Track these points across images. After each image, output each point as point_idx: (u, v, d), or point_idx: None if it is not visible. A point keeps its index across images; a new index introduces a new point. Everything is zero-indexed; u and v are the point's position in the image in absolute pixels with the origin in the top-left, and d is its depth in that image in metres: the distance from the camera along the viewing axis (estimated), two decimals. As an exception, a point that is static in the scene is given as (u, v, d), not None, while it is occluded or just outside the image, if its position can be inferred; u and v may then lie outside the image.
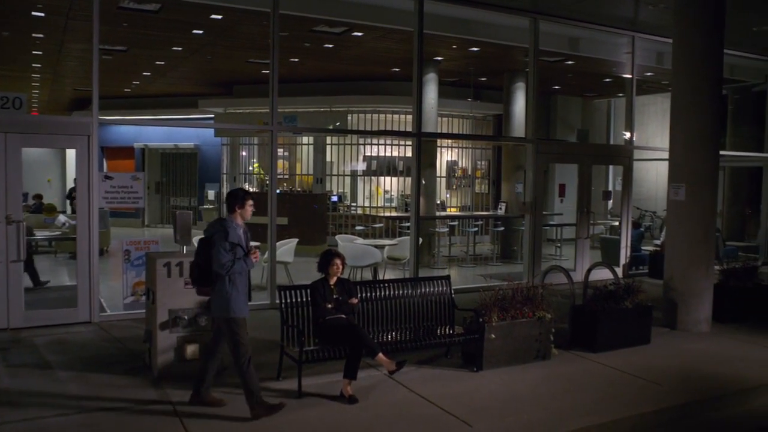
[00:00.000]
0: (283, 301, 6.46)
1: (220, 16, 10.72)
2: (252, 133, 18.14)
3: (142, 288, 8.37)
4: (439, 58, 14.46)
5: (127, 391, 6.00)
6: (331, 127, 17.51)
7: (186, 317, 6.34)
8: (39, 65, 15.33)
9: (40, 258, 13.07)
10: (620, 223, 13.31)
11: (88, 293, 8.43)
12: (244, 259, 5.37)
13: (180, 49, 13.55)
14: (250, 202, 5.48)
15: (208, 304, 5.60)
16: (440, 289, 7.39)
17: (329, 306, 6.30)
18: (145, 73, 16.73)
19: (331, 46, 13.08)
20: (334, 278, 6.46)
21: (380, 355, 6.05)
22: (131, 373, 6.49)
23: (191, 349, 6.36)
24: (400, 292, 7.20)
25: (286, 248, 10.88)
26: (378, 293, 7.09)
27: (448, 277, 7.51)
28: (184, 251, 6.76)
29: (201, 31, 11.92)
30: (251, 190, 18.70)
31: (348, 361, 5.96)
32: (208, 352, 5.75)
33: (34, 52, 13.71)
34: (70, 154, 19.09)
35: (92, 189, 8.38)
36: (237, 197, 5.44)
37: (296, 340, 6.20)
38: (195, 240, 11.33)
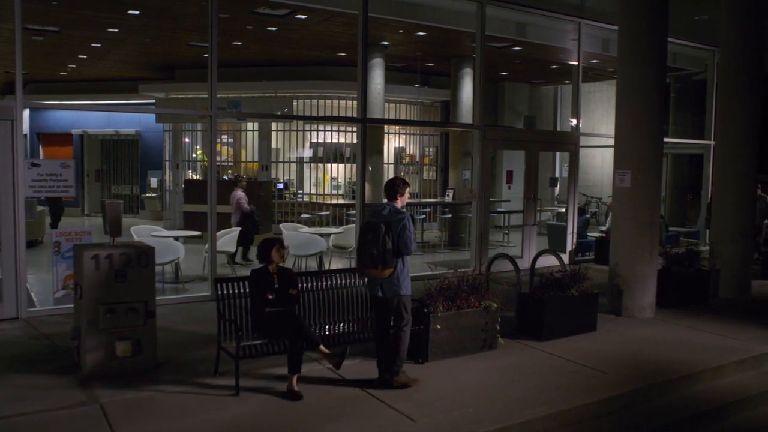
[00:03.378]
0: (221, 293, 6.17)
1: (156, -4, 10.28)
2: (194, 118, 17.61)
3: (73, 281, 7.96)
4: (386, 43, 14.24)
5: (53, 392, 5.64)
6: (279, 113, 17.11)
7: (117, 313, 6.00)
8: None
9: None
10: (566, 210, 13.37)
11: (15, 288, 7.96)
12: None
13: (116, 30, 12.96)
14: (408, 189, 6.08)
15: (381, 286, 5.85)
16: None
17: (270, 296, 6.02)
18: (81, 56, 16.01)
19: (274, 29, 12.72)
20: (276, 266, 6.20)
21: (321, 347, 5.85)
22: (58, 373, 6.12)
23: (122, 347, 6.03)
24: (345, 281, 6.98)
25: (228, 237, 10.56)
26: (322, 283, 6.85)
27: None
28: (114, 242, 6.39)
29: (137, 12, 11.40)
30: (195, 177, 18.21)
31: (290, 355, 5.74)
32: (380, 335, 6.02)
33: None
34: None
35: (17, 177, 7.89)
36: (398, 186, 5.96)
37: (233, 334, 5.93)
38: (132, 230, 10.95)
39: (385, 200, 6.04)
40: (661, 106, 9.12)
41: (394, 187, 5.98)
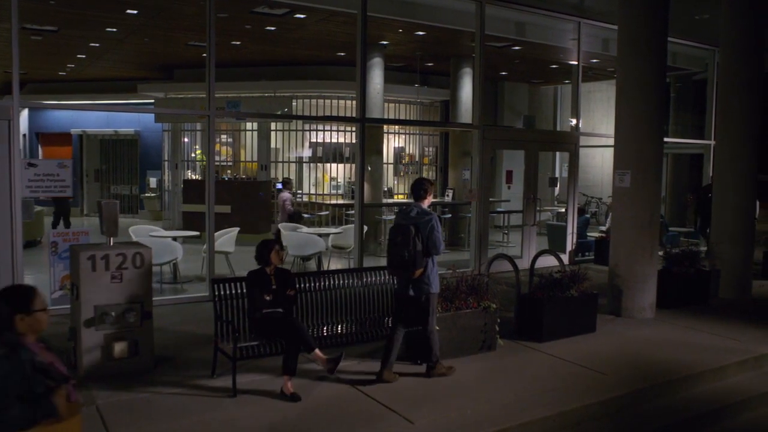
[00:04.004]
0: (217, 293, 6.14)
1: (153, -5, 10.24)
2: (193, 118, 17.56)
3: (69, 282, 7.92)
4: (385, 43, 14.19)
5: (49, 393, 5.60)
6: (278, 113, 17.07)
7: (113, 313, 5.97)
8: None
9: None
10: (566, 210, 13.32)
11: (11, 288, 7.91)
12: None
13: (115, 30, 12.93)
14: (433, 189, 6.28)
15: (411, 285, 6.01)
16: (384, 279, 7.16)
17: (267, 297, 5.98)
18: (79, 56, 15.97)
19: (273, 28, 12.68)
20: (273, 267, 6.15)
21: (316, 351, 5.80)
22: (55, 374, 6.08)
23: (119, 348, 6.01)
24: (344, 282, 6.96)
25: (227, 237, 10.51)
26: (321, 284, 6.83)
27: (392, 267, 7.29)
28: (111, 243, 6.36)
29: (135, 11, 11.37)
30: (194, 177, 18.16)
31: (285, 356, 5.70)
32: (393, 332, 6.15)
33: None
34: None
35: (14, 177, 7.85)
36: (426, 186, 6.17)
37: (230, 335, 5.89)
38: (130, 230, 10.91)
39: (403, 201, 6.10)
40: (661, 106, 9.08)
41: (422, 187, 6.13)
